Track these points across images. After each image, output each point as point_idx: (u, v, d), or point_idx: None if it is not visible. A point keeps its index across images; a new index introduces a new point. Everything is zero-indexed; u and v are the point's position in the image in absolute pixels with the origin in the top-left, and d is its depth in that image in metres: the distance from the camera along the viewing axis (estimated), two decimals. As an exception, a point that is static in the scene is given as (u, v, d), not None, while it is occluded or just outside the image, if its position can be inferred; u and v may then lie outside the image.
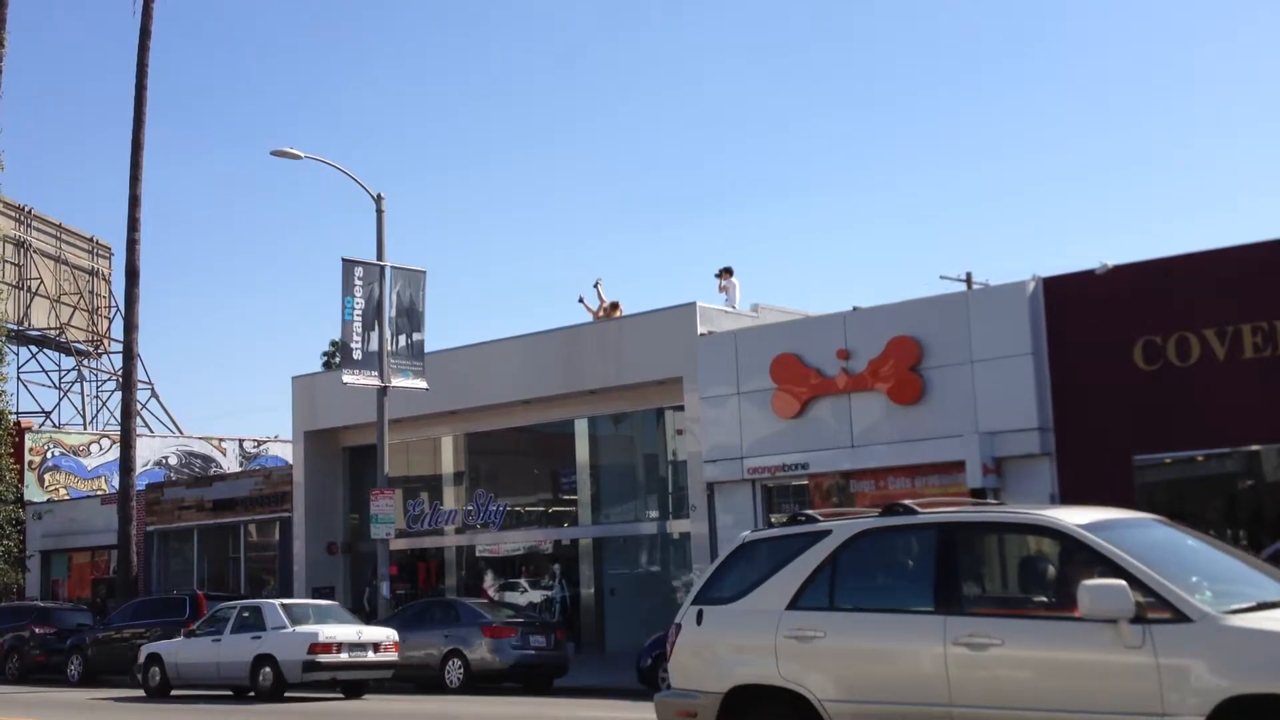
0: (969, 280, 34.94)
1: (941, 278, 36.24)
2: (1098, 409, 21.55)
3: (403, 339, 26.97)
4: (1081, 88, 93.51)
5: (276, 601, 22.65)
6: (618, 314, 29.30)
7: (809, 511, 9.51)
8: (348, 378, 26.29)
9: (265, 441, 50.62)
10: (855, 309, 24.93)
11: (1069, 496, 21.67)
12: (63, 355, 53.36)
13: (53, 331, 51.85)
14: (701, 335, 26.39)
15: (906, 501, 8.95)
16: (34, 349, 52.70)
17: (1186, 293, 20.89)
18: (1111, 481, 21.14)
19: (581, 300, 29.78)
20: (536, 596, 30.40)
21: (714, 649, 9.12)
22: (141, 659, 23.38)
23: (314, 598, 33.25)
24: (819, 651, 8.47)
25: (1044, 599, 8.22)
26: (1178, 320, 20.89)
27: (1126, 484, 21.07)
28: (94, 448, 46.94)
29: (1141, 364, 21.19)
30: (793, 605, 8.73)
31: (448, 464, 33.26)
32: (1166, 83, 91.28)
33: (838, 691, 8.33)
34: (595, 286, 29.72)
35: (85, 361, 53.61)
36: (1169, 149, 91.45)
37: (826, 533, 8.90)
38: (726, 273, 28.68)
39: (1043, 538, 8.26)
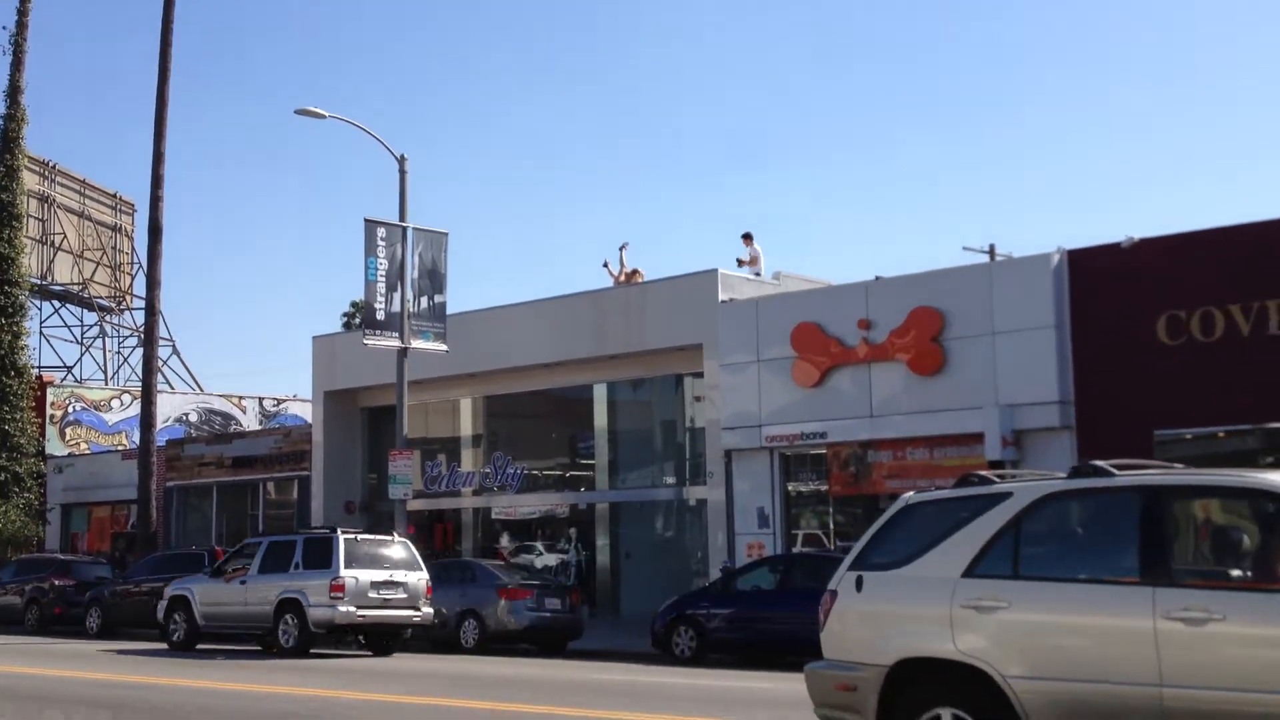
0: (992, 252, 34.66)
1: (965, 249, 36.02)
2: (1119, 383, 21.45)
3: (424, 300, 26.97)
4: (1111, 56, 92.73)
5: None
6: (638, 279, 29.27)
7: (982, 472, 8.82)
8: (368, 339, 26.34)
9: (285, 400, 50.83)
10: (877, 279, 24.85)
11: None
12: (85, 311, 53.59)
13: (75, 287, 52.05)
14: (723, 302, 26.34)
15: (1098, 462, 8.33)
16: (57, 304, 52.93)
17: (1212, 268, 20.73)
18: (1132, 456, 20.97)
19: (606, 265, 29.78)
20: (552, 560, 30.53)
21: (877, 618, 8.49)
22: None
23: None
24: (1002, 624, 7.80)
25: (1262, 570, 7.43)
26: (1202, 295, 20.74)
27: (1147, 459, 20.94)
28: (115, 403, 47.20)
29: (1165, 338, 21.07)
30: (969, 573, 8.07)
31: (466, 426, 33.34)
32: (1198, 51, 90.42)
33: (1024, 668, 7.64)
34: (620, 250, 29.71)
35: (107, 317, 53.86)
36: (1199, 120, 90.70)
37: (1006, 495, 8.23)
38: (748, 238, 28.64)
39: (1263, 503, 7.50)
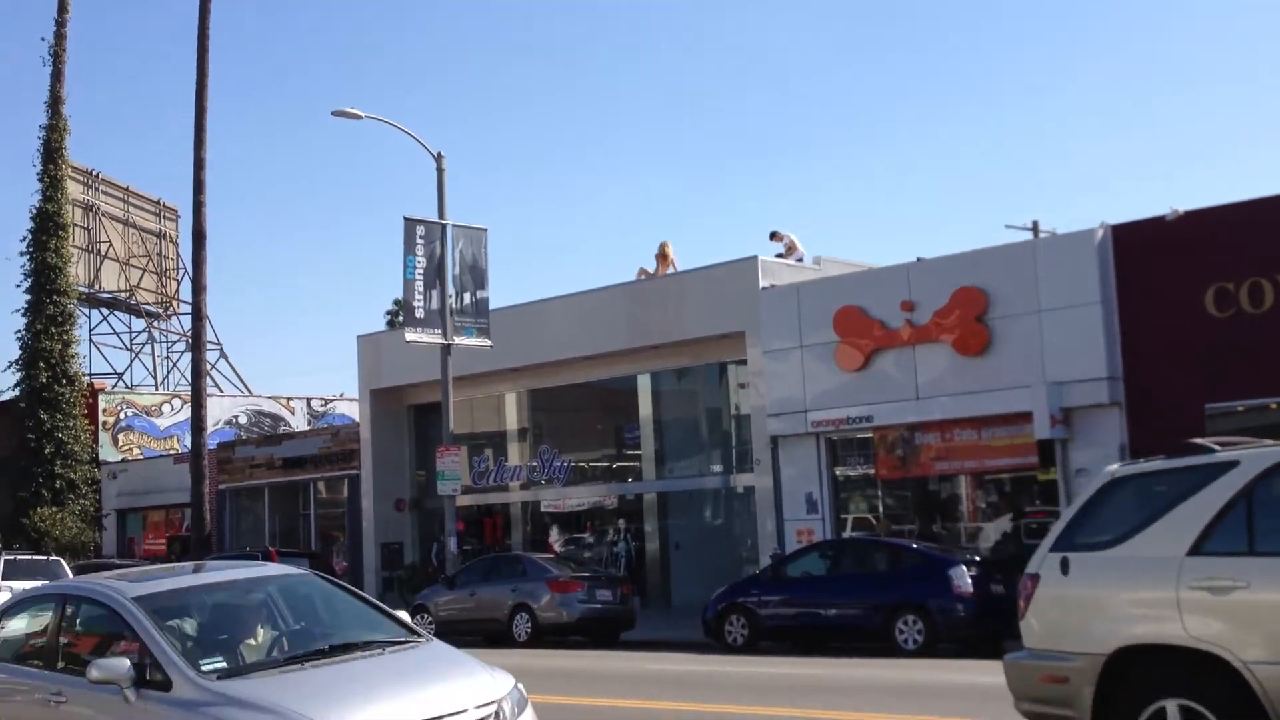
0: (1035, 229, 34.38)
1: (1007, 227, 35.73)
2: (1168, 357, 21.21)
3: (466, 296, 27.05)
4: (1152, 25, 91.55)
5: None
6: (667, 265, 29.22)
7: (1200, 440, 8.16)
8: (410, 336, 26.45)
9: (332, 400, 51.21)
10: (919, 260, 24.69)
11: (1140, 446, 21.38)
12: (133, 317, 54.15)
13: (123, 294, 52.61)
14: (763, 289, 26.27)
15: None
16: (105, 311, 53.51)
17: (1260, 238, 20.45)
18: (1182, 431, 20.63)
19: (642, 271, 29.80)
20: (602, 551, 30.60)
21: (1089, 603, 7.82)
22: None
23: (384, 554, 33.67)
24: (1240, 604, 7.13)
25: None
26: (1251, 266, 20.47)
27: (1198, 433, 20.61)
28: (166, 408, 47.73)
29: (1214, 311, 20.81)
30: (1196, 550, 7.41)
31: (512, 420, 33.45)
32: (1242, 19, 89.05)
33: (1268, 651, 6.99)
34: (660, 250, 29.55)
35: (155, 323, 54.39)
36: (1242, 91, 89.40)
37: (1232, 464, 7.55)
38: (776, 235, 28.55)
39: None
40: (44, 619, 8.44)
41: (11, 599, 9.11)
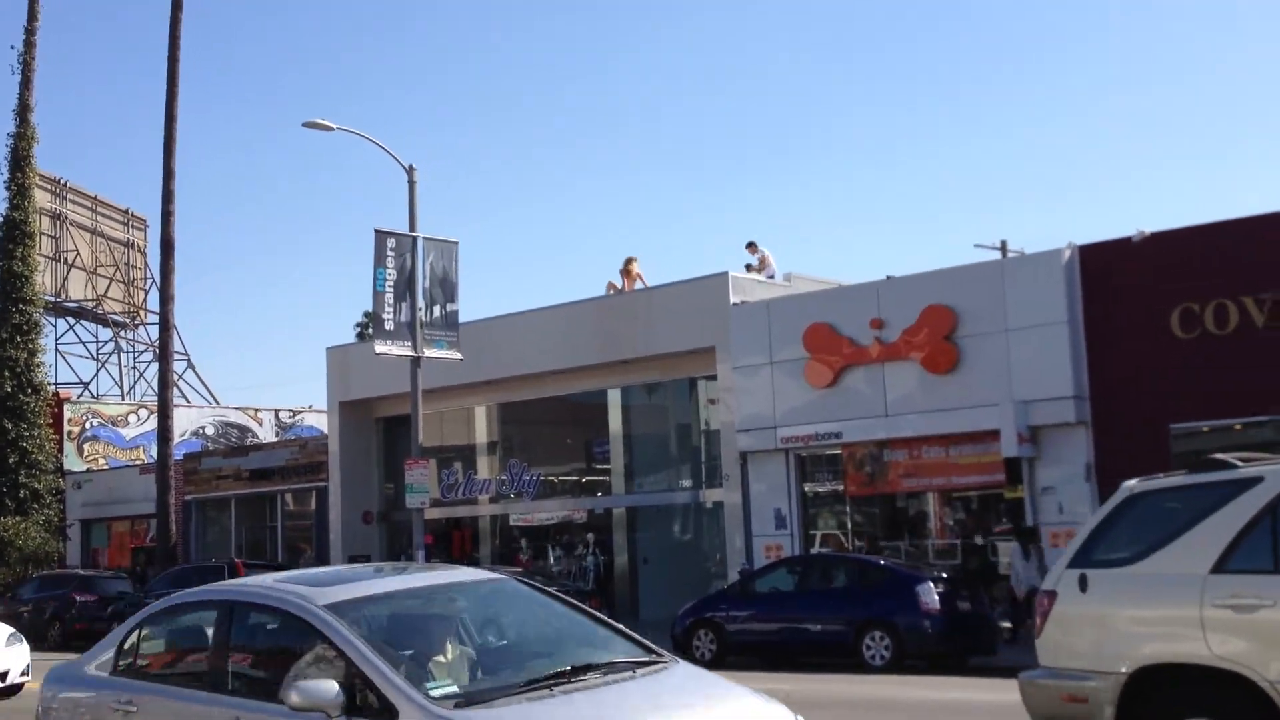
0: (1004, 248, 34.62)
1: (976, 246, 35.88)
2: (1134, 377, 21.42)
3: (436, 309, 27.01)
4: (1119, 50, 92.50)
5: None
6: (633, 281, 29.37)
7: (1222, 455, 7.98)
8: (380, 348, 26.37)
9: (300, 412, 50.97)
10: (889, 278, 24.84)
11: (1105, 465, 21.58)
12: (100, 327, 53.79)
13: (89, 303, 52.26)
14: (734, 305, 26.37)
15: None
16: (71, 320, 53.13)
17: (1225, 260, 20.70)
18: (1148, 450, 21.01)
19: (610, 286, 29.96)
20: (571, 566, 30.56)
21: (1110, 621, 7.66)
22: None
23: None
24: (1267, 624, 6.97)
25: None
26: (1216, 288, 20.71)
27: (1163, 452, 20.94)
28: (132, 418, 47.39)
29: (1179, 332, 21.04)
30: (1220, 568, 7.26)
31: (481, 434, 33.40)
32: (1205, 44, 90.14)
33: None
34: (625, 267, 29.73)
35: (122, 333, 54.04)
36: (1209, 112, 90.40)
37: (1255, 480, 7.40)
38: (752, 246, 28.72)
39: None
40: (201, 630, 7.11)
41: (156, 606, 7.64)
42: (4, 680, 16.96)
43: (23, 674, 17.33)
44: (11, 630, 17.92)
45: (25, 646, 17.72)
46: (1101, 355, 21.83)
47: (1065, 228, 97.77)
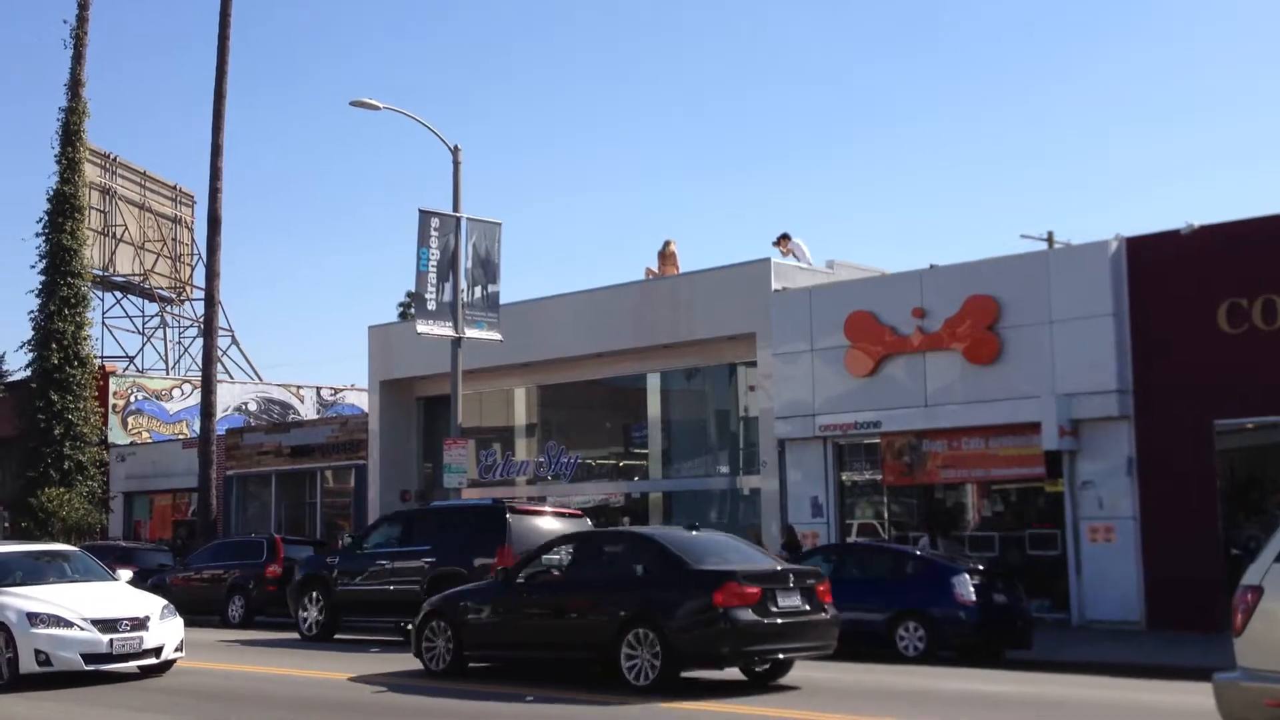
0: (1050, 239, 34.29)
1: (1022, 236, 35.58)
2: (1179, 372, 21.20)
3: (478, 290, 27.08)
4: (1176, 38, 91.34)
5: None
6: (671, 264, 29.35)
7: None
8: (421, 327, 26.48)
9: (342, 390, 51.27)
10: (932, 267, 24.69)
11: (1147, 460, 21.39)
12: (146, 301, 54.25)
13: (137, 278, 52.73)
14: (775, 291, 26.29)
15: None
16: (118, 295, 53.61)
17: (1275, 255, 20.42)
18: (1191, 445, 20.84)
19: (649, 272, 29.95)
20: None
21: None
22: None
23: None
24: None
25: None
26: (1264, 283, 20.46)
27: (1206, 448, 20.76)
28: (176, 392, 47.83)
29: (1225, 327, 20.79)
30: None
31: (520, 415, 33.51)
32: (1262, 34, 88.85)
33: None
34: (663, 249, 29.78)
35: (168, 308, 54.50)
36: (1262, 106, 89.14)
37: None
38: (784, 239, 28.50)
39: None
40: None
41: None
42: (158, 656, 15.25)
43: (177, 650, 15.58)
44: (165, 603, 15.96)
45: (179, 621, 15.75)
46: (1146, 349, 21.61)
47: (1113, 221, 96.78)
